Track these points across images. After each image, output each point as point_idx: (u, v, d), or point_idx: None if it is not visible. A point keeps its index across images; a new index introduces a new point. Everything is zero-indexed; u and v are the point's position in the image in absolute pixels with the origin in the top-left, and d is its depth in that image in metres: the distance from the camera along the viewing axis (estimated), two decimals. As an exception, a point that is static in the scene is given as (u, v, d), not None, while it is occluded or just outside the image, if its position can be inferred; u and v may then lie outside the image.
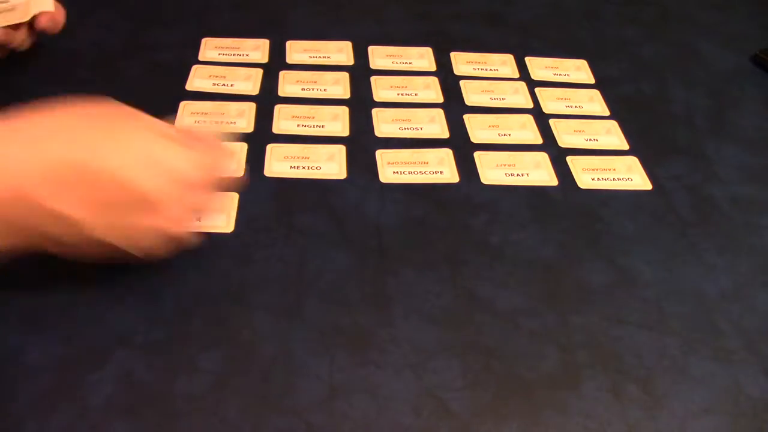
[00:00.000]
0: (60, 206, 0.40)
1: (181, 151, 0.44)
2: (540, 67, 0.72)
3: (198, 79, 0.66)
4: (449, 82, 0.69)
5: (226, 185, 0.48)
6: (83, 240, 0.41)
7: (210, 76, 0.67)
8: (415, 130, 0.63)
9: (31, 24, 0.61)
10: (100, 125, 0.43)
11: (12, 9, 0.59)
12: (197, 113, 0.62)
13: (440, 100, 0.67)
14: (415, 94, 0.67)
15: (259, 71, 0.68)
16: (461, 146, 0.62)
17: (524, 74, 0.71)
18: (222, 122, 0.61)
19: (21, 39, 0.61)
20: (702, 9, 0.85)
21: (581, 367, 0.46)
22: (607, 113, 0.67)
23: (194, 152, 0.44)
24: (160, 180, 0.42)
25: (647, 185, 0.60)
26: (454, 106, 0.66)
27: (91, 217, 0.41)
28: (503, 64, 0.72)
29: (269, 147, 0.59)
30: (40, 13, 0.60)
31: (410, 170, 0.59)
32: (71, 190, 0.40)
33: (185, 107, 0.63)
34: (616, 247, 0.55)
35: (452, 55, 0.72)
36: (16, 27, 0.60)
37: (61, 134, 0.41)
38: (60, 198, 0.40)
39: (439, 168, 0.59)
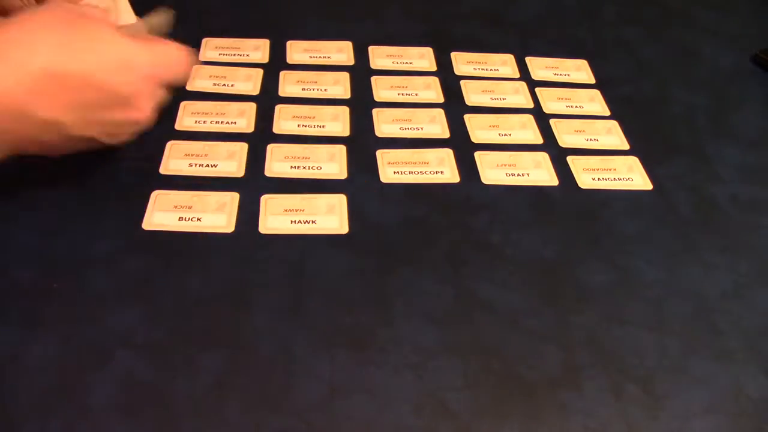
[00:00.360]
0: (47, 113, 0.44)
1: (144, 49, 0.49)
2: (540, 67, 0.72)
3: (198, 80, 0.66)
4: (449, 82, 0.69)
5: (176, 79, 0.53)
6: (64, 138, 0.46)
7: (210, 76, 0.67)
8: (415, 130, 0.63)
9: None
10: (69, 32, 0.46)
11: None
12: (198, 113, 0.62)
13: (441, 100, 0.67)
14: (416, 94, 0.67)
15: (260, 71, 0.68)
16: (462, 146, 0.62)
17: (524, 74, 0.71)
18: (223, 122, 0.62)
19: None
20: (702, 9, 0.85)
21: (581, 367, 0.46)
22: (608, 113, 0.67)
23: (154, 50, 0.50)
24: (131, 77, 0.47)
25: (648, 185, 0.60)
26: (454, 106, 0.66)
27: (74, 118, 0.45)
28: (503, 64, 0.72)
29: (270, 147, 0.59)
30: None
31: (411, 170, 0.59)
32: (55, 96, 0.44)
33: (186, 107, 0.63)
34: (616, 247, 0.55)
35: (452, 55, 0.72)
36: None
37: (36, 44, 0.44)
38: (46, 106, 0.44)
39: (439, 168, 0.59)
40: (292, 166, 0.58)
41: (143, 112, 0.49)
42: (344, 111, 0.64)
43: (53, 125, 0.45)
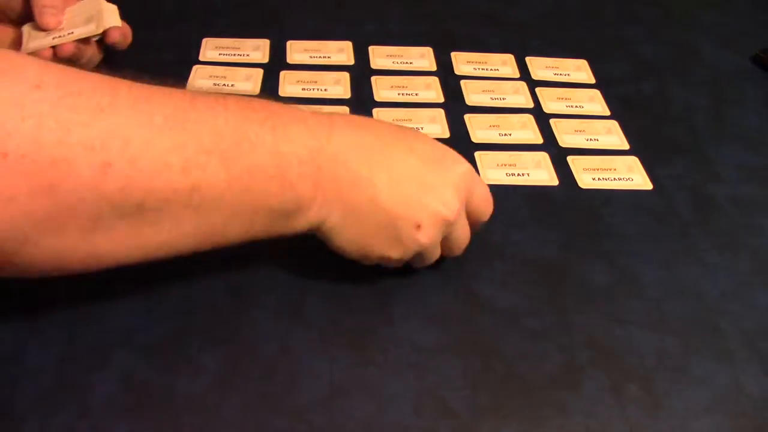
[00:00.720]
0: (360, 167, 0.44)
1: (477, 179, 0.49)
2: (540, 66, 0.72)
3: (199, 80, 0.66)
4: (450, 81, 0.69)
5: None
6: (369, 204, 0.44)
7: (210, 76, 0.67)
8: (415, 130, 0.63)
9: (99, 40, 0.62)
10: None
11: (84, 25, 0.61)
12: (197, 113, 0.62)
13: (441, 99, 0.67)
14: (416, 94, 0.67)
15: (260, 71, 0.68)
16: (462, 146, 0.61)
17: (525, 74, 0.71)
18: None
19: (91, 53, 0.62)
20: (702, 9, 0.85)
21: (581, 366, 0.46)
22: (608, 113, 0.67)
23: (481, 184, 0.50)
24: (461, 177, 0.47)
25: (648, 185, 0.60)
26: (454, 105, 0.66)
27: (386, 179, 0.44)
28: (504, 64, 0.72)
29: (269, 147, 0.59)
30: (111, 28, 0.61)
31: (410, 170, 0.59)
32: (376, 155, 0.44)
33: (185, 107, 0.63)
34: (616, 247, 0.55)
35: (453, 54, 0.72)
36: (86, 42, 0.61)
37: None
38: (363, 161, 0.44)
39: (439, 168, 0.59)
40: (292, 166, 0.58)
41: (446, 207, 0.46)
42: (344, 111, 0.64)
43: (363, 178, 0.44)
